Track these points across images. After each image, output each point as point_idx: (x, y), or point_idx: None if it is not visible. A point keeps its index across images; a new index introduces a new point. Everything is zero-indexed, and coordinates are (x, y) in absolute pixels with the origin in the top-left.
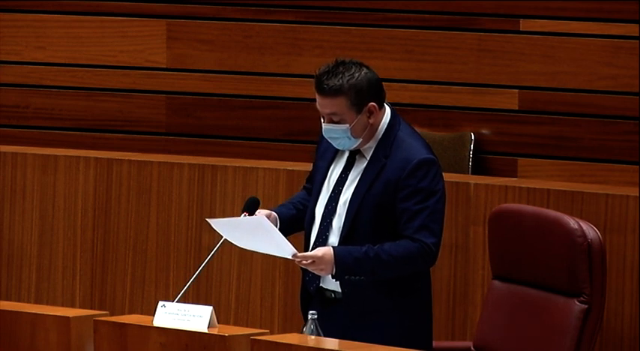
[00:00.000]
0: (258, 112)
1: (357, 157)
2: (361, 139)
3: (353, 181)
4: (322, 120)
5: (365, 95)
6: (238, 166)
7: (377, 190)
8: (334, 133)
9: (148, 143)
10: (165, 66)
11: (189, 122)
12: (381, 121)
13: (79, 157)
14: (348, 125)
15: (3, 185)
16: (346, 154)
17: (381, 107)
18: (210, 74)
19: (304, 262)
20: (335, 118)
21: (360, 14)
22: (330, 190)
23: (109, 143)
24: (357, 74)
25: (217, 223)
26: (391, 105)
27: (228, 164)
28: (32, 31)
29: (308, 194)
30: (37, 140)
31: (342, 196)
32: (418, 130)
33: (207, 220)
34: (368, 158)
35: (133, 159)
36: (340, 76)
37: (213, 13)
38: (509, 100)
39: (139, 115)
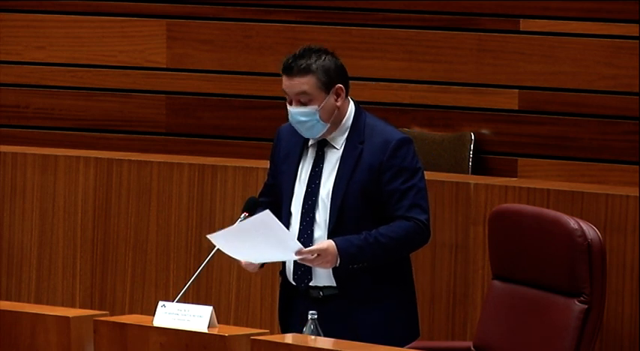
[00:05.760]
0: (258, 112)
1: (325, 149)
2: (329, 125)
3: (330, 172)
4: (289, 105)
5: (333, 75)
6: (238, 166)
7: (360, 176)
8: (303, 115)
9: (148, 143)
10: (165, 66)
11: (189, 122)
12: (347, 110)
13: (79, 157)
14: (316, 106)
15: (3, 185)
16: (313, 150)
17: (347, 93)
18: (210, 74)
19: (309, 257)
20: (303, 99)
21: (360, 14)
22: (306, 186)
23: (109, 143)
24: (323, 56)
25: (217, 237)
26: (356, 100)
27: (228, 164)
28: (32, 31)
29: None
30: (37, 140)
31: (321, 189)
32: (418, 130)
33: (207, 236)
34: (340, 148)
35: (133, 159)
36: (307, 57)
37: (214, 13)
38: (509, 100)
39: (139, 115)
